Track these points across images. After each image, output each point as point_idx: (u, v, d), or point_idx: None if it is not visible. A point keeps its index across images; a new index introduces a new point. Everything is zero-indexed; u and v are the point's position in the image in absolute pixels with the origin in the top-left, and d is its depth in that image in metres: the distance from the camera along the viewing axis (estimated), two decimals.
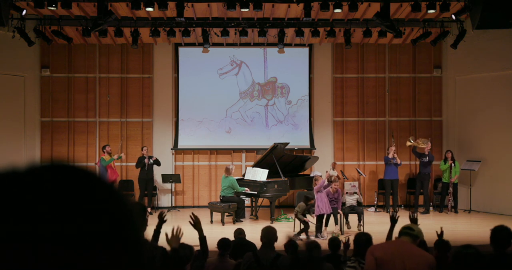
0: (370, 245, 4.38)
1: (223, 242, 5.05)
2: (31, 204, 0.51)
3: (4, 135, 11.77)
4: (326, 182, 8.90)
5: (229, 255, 5.05)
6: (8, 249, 0.49)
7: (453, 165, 11.65)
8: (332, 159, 12.94)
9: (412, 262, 3.12)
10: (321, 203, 8.78)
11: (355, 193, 10.04)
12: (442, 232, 5.14)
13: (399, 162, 11.66)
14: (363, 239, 4.52)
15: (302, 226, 8.91)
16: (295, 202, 10.28)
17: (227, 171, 10.63)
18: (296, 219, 9.19)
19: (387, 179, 11.78)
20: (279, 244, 5.04)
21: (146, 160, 11.71)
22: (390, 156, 11.68)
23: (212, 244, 5.04)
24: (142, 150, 11.95)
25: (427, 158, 11.72)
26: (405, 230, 3.54)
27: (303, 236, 8.82)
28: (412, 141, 11.84)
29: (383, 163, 12.07)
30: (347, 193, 10.08)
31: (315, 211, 8.88)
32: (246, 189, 10.55)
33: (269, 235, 4.81)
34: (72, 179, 0.54)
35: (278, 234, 4.92)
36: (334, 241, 5.51)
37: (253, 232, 7.36)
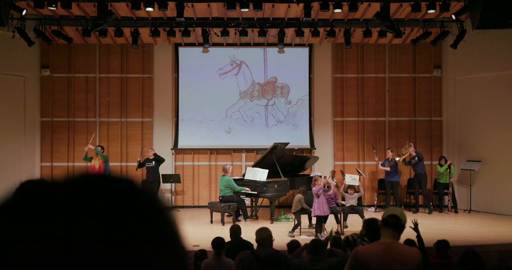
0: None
1: (217, 242, 5.06)
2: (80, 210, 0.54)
3: (4, 135, 11.77)
4: (321, 190, 8.92)
5: (225, 254, 5.07)
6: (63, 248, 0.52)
7: (449, 169, 11.71)
8: (332, 159, 12.95)
9: (400, 266, 3.05)
10: (318, 206, 8.84)
11: (355, 191, 10.07)
12: (416, 224, 4.73)
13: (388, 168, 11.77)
14: (374, 223, 4.42)
15: (296, 222, 9.13)
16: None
17: (224, 170, 10.61)
18: (294, 215, 9.31)
19: (387, 180, 11.87)
20: (280, 244, 5.04)
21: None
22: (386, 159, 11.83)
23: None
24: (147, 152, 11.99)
25: (416, 158, 11.77)
26: (391, 219, 3.12)
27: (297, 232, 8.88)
28: (399, 157, 11.83)
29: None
30: (348, 188, 10.11)
31: (312, 213, 9.02)
32: (247, 189, 10.50)
33: (263, 234, 4.85)
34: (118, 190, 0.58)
35: (278, 234, 4.95)
36: (336, 241, 5.69)
37: (252, 232, 7.34)
